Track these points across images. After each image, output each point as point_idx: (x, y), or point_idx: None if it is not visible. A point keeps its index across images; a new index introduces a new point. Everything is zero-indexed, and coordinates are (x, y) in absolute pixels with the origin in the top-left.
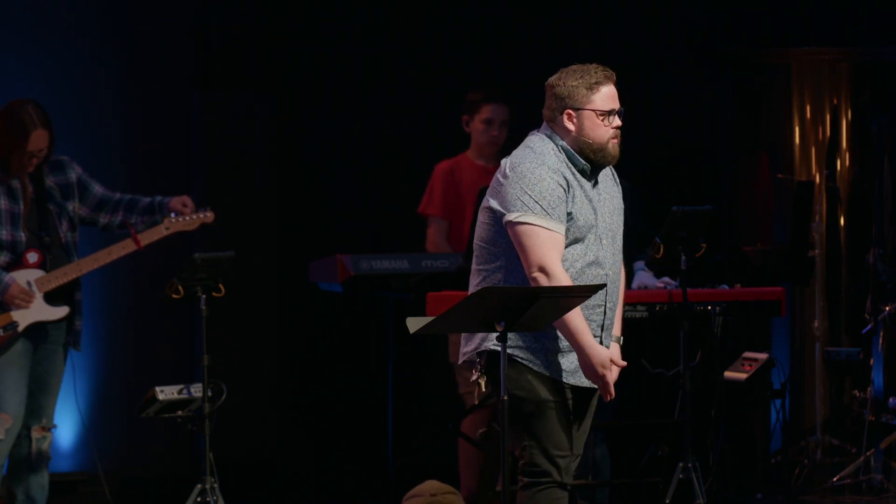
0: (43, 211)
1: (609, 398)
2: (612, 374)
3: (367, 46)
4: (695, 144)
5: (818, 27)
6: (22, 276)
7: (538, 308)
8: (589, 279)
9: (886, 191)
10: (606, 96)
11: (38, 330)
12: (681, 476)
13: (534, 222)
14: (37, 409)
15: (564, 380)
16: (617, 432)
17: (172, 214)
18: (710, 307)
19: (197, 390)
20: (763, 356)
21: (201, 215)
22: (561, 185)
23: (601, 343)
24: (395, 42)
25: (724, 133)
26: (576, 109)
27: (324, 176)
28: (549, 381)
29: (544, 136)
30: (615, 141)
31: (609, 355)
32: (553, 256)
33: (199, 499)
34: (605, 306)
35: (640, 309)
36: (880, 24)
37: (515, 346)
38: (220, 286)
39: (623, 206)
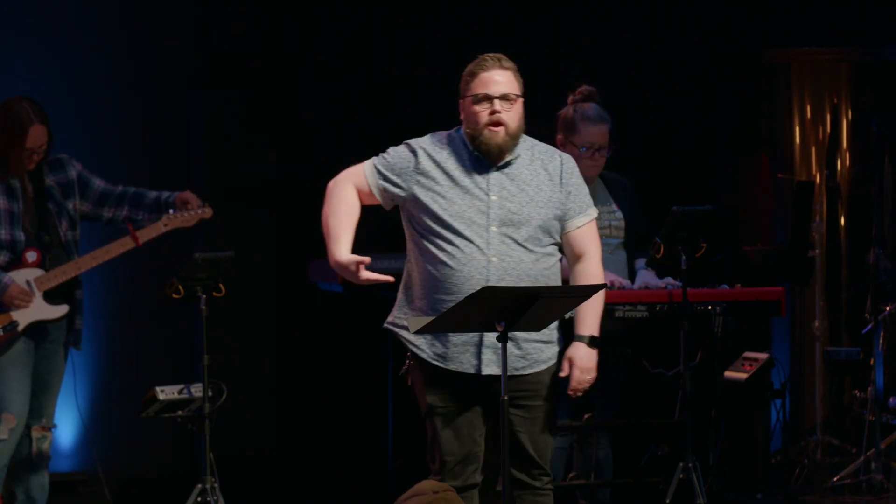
0: (42, 210)
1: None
2: (362, 275)
3: (367, 46)
4: (695, 144)
5: (818, 27)
6: (21, 276)
7: (538, 308)
8: (460, 258)
9: (886, 191)
10: (480, 81)
11: (38, 329)
12: (681, 476)
13: (367, 161)
14: (37, 408)
15: (442, 365)
16: (617, 432)
17: (171, 211)
18: (710, 307)
19: (197, 390)
20: (763, 356)
21: (199, 211)
22: (410, 158)
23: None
24: (395, 42)
25: (724, 133)
26: (462, 98)
27: (324, 176)
28: (436, 373)
29: (450, 130)
30: (492, 128)
31: (347, 258)
32: (346, 173)
33: (199, 499)
34: None
35: (641, 309)
36: (880, 24)
37: (395, 318)
38: (220, 286)
39: (557, 199)
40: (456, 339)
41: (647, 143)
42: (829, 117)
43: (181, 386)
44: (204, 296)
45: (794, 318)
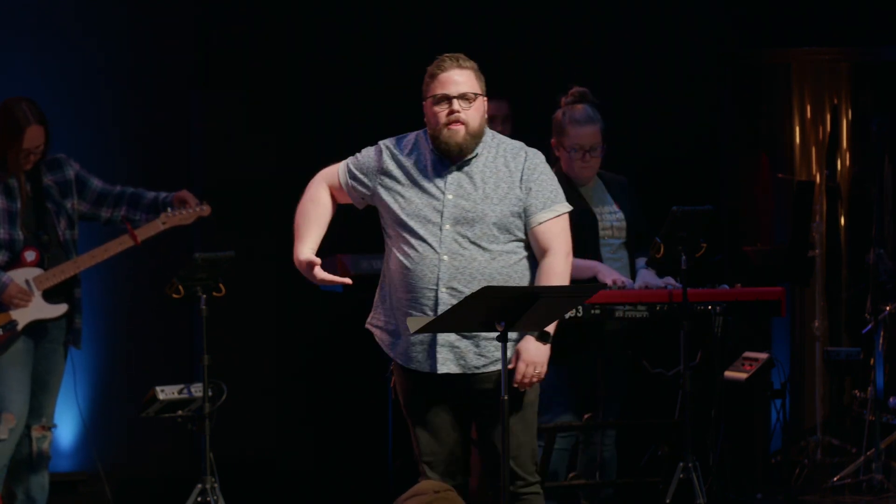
0: (40, 209)
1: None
2: (317, 275)
3: (367, 46)
4: (695, 144)
5: (818, 27)
6: (20, 275)
7: (538, 308)
8: (414, 258)
9: (886, 190)
10: (440, 82)
11: (37, 328)
12: (681, 476)
13: (345, 160)
14: (37, 408)
15: (403, 364)
16: (617, 432)
17: (169, 209)
18: (710, 307)
19: (197, 390)
20: (763, 356)
21: (197, 209)
22: (376, 158)
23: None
24: (395, 42)
25: (724, 133)
26: (424, 100)
27: None
28: (403, 372)
29: (419, 130)
30: (451, 127)
31: (302, 258)
32: (324, 172)
33: (199, 499)
34: (437, 290)
35: (641, 309)
36: (880, 24)
37: (375, 320)
38: (221, 286)
39: (515, 195)
40: (414, 338)
41: (647, 143)
42: (829, 117)
43: (181, 386)
44: (204, 296)
45: (794, 318)
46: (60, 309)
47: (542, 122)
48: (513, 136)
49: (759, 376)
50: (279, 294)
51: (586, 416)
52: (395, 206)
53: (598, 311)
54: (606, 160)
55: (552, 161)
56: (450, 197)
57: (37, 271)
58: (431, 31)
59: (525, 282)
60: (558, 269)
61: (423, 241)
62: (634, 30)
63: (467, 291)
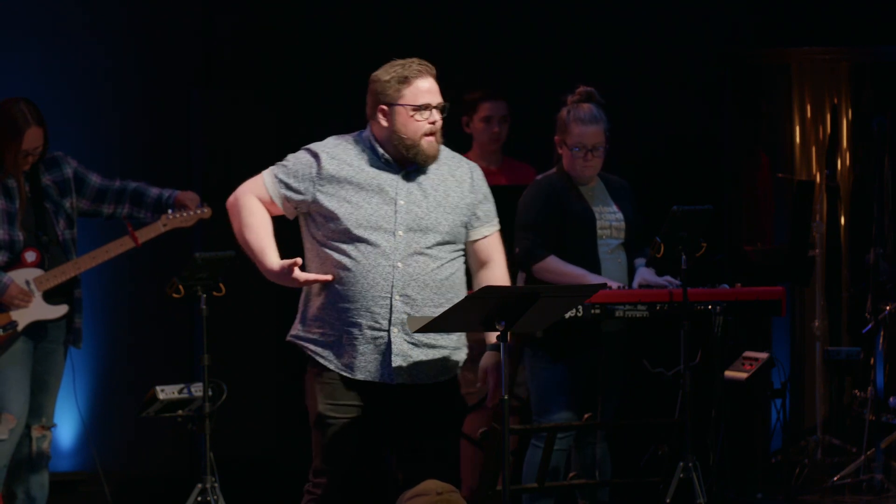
0: (39, 209)
1: (300, 282)
2: (299, 277)
3: (367, 47)
4: (695, 144)
5: (818, 27)
6: (20, 276)
7: (538, 308)
8: (364, 265)
9: (887, 190)
10: (420, 91)
11: (37, 329)
12: (681, 476)
13: (263, 172)
14: (36, 408)
15: (349, 375)
16: (617, 432)
17: (170, 211)
18: (710, 307)
19: (197, 390)
20: (763, 356)
21: (198, 211)
22: (312, 163)
23: (388, 337)
24: (395, 43)
25: (724, 133)
26: (389, 105)
27: None
28: (341, 383)
29: (356, 132)
30: (430, 138)
31: (280, 265)
32: (246, 187)
33: (199, 498)
34: (391, 298)
35: (641, 308)
36: (880, 24)
37: (299, 331)
38: (221, 286)
39: (465, 205)
40: (364, 347)
41: (648, 143)
42: (829, 117)
43: (181, 386)
44: (204, 295)
45: (794, 318)
46: (61, 310)
47: (540, 122)
48: (510, 137)
49: (759, 376)
50: (279, 294)
51: (586, 415)
52: (340, 212)
53: (598, 311)
54: (607, 160)
55: (554, 159)
56: (402, 203)
57: (37, 272)
58: (432, 32)
59: (463, 292)
60: (505, 278)
61: (375, 247)
62: (634, 30)
63: (420, 299)
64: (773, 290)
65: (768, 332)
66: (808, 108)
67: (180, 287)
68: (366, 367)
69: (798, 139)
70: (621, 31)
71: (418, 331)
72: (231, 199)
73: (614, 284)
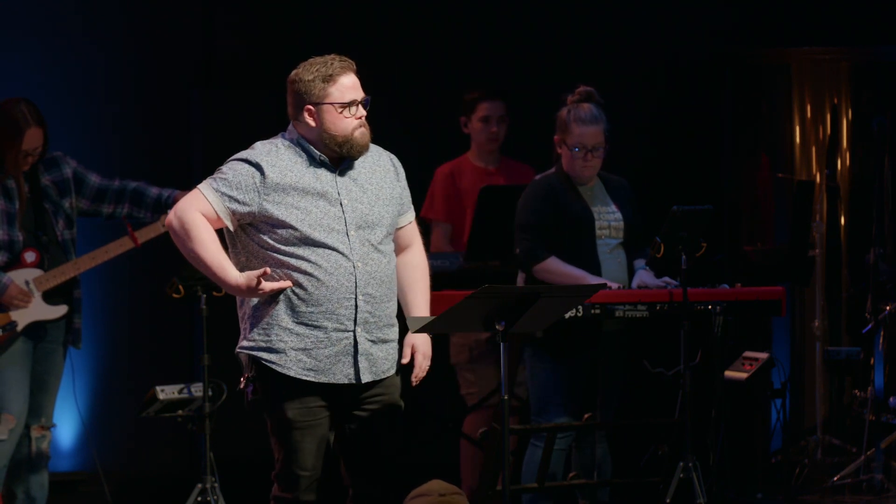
0: (39, 210)
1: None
2: (265, 287)
3: (367, 47)
4: (695, 144)
5: (818, 27)
6: (20, 276)
7: (539, 307)
8: (326, 268)
9: (887, 190)
10: (345, 87)
11: (37, 329)
12: (681, 476)
13: (200, 187)
14: (36, 408)
15: (314, 379)
16: (617, 432)
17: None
18: (710, 307)
19: (197, 390)
20: (763, 356)
21: None
22: (254, 172)
23: (353, 337)
24: (395, 44)
25: (724, 133)
26: (315, 104)
27: None
28: (301, 387)
29: (278, 136)
30: (362, 129)
31: (245, 278)
32: (186, 204)
33: (199, 498)
34: (356, 299)
35: (641, 308)
36: (880, 24)
37: (254, 342)
38: None
39: (397, 195)
40: (328, 350)
41: (647, 144)
42: (829, 117)
43: (181, 386)
44: (204, 295)
45: (794, 318)
46: (60, 310)
47: (539, 122)
48: (509, 137)
49: (759, 376)
50: None
51: (586, 415)
52: (291, 219)
53: (597, 311)
54: (606, 160)
55: (553, 159)
56: (346, 202)
57: (37, 272)
58: (431, 32)
59: (396, 282)
60: (424, 260)
61: (333, 250)
62: (634, 30)
63: (378, 296)
64: (773, 290)
65: (768, 332)
66: (808, 108)
67: (180, 287)
68: (331, 369)
69: (798, 139)
70: (621, 31)
71: (418, 331)
72: (170, 217)
73: (614, 285)
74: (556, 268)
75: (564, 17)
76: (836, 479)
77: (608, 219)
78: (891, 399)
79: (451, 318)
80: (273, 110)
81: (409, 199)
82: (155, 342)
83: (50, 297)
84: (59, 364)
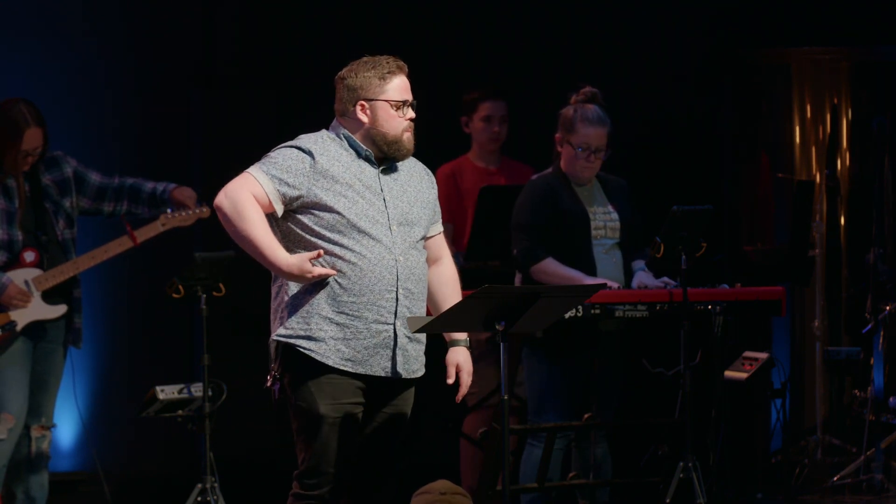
0: (39, 209)
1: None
2: (315, 271)
3: (367, 47)
4: (695, 144)
5: (818, 27)
6: (19, 276)
7: (539, 307)
8: (370, 258)
9: (887, 190)
10: (400, 87)
11: (36, 329)
12: (681, 476)
13: (249, 171)
14: (36, 408)
15: (351, 369)
16: (617, 432)
17: (168, 210)
18: (710, 307)
19: (197, 390)
20: (763, 356)
21: (197, 210)
22: (305, 158)
23: (393, 330)
24: (395, 44)
25: (724, 133)
26: (369, 100)
27: None
28: (337, 379)
29: (322, 131)
30: (409, 133)
31: (297, 258)
32: (238, 185)
33: (199, 498)
34: (396, 292)
35: (641, 308)
36: (880, 24)
37: (292, 330)
38: (221, 286)
39: (433, 201)
40: (367, 341)
41: (647, 144)
42: (829, 117)
43: (181, 386)
44: (204, 296)
45: (794, 318)
46: (59, 310)
47: (539, 122)
48: (509, 137)
49: (759, 376)
50: None
51: (586, 416)
52: (340, 206)
53: (597, 311)
54: (606, 160)
55: (553, 157)
56: (388, 198)
57: (36, 272)
58: (431, 32)
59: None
60: (456, 277)
61: (377, 241)
62: (634, 30)
63: (416, 293)
64: (773, 290)
65: (768, 332)
66: (808, 108)
67: (180, 287)
68: (368, 360)
69: (798, 139)
70: (621, 31)
71: (418, 331)
72: (220, 198)
73: (614, 285)
74: (554, 269)
75: (565, 17)
76: (836, 479)
77: (604, 219)
78: (891, 399)
79: (450, 318)
80: (273, 110)
81: (440, 211)
82: (155, 342)
83: (49, 296)
84: (59, 364)
